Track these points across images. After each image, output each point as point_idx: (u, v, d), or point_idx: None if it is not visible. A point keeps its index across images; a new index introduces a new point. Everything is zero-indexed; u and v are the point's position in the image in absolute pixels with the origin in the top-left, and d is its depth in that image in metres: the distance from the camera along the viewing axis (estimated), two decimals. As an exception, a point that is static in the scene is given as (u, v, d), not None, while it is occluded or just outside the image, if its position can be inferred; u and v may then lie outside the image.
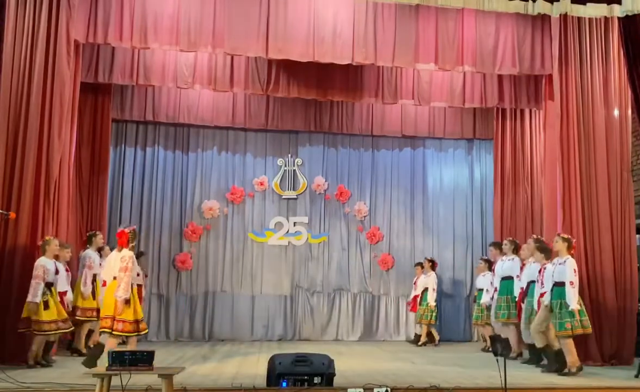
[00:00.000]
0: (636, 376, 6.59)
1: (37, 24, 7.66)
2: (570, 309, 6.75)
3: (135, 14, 8.13)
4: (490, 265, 9.71)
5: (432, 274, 10.52)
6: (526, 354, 8.21)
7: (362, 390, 5.46)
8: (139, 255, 10.40)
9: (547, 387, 6.12)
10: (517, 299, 8.16)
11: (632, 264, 8.12)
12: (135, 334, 6.39)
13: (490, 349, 9.36)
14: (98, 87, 9.88)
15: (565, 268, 6.87)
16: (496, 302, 8.61)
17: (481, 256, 11.00)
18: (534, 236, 8.25)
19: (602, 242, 8.08)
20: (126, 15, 8.10)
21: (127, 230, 6.56)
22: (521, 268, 8.25)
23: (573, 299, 6.77)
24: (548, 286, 7.02)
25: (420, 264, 10.94)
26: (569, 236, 7.31)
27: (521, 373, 6.93)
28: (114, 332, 6.21)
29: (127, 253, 6.37)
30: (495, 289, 8.72)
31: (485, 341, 9.86)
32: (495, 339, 9.26)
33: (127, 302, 6.23)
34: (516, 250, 8.54)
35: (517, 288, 8.19)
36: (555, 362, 6.96)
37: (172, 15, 8.22)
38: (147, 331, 6.90)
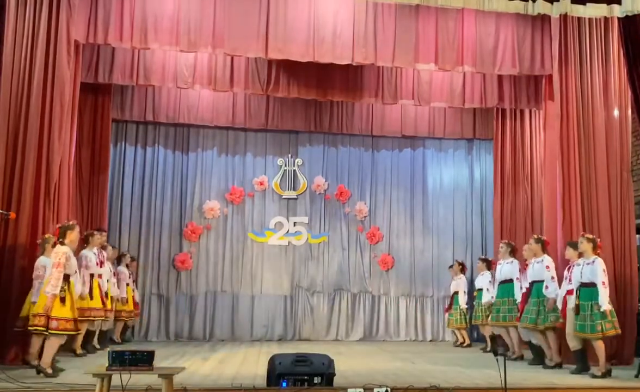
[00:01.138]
0: (636, 376, 6.59)
1: (37, 24, 7.65)
2: (602, 309, 6.62)
3: (135, 14, 8.13)
4: (488, 264, 9.75)
5: (462, 278, 10.56)
6: (527, 354, 8.19)
7: (362, 390, 5.45)
8: (132, 260, 10.37)
9: (547, 387, 6.11)
10: (519, 302, 8.12)
11: (632, 264, 8.12)
12: (75, 332, 6.36)
13: (490, 349, 9.37)
14: (98, 87, 9.89)
15: (595, 268, 6.74)
16: (494, 304, 8.63)
17: (480, 255, 11.02)
18: (535, 236, 8.22)
19: (602, 242, 8.06)
20: (126, 16, 8.10)
21: (58, 225, 6.57)
22: (523, 269, 8.23)
23: (605, 299, 6.63)
24: (575, 287, 6.94)
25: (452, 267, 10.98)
26: (594, 236, 7.17)
27: (521, 373, 6.91)
28: (49, 331, 6.15)
29: (60, 249, 6.30)
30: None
31: (485, 341, 9.86)
32: (494, 339, 9.31)
33: (61, 300, 6.18)
34: (513, 252, 8.53)
35: (518, 290, 8.17)
36: (581, 362, 6.93)
37: (172, 16, 8.22)
38: (80, 331, 6.75)
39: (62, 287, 6.22)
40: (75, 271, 6.68)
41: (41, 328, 6.15)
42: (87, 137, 9.99)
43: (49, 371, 6.14)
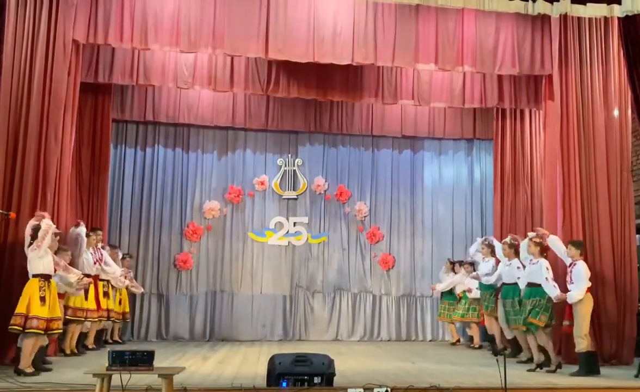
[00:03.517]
0: (636, 376, 6.60)
1: (37, 24, 7.66)
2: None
3: (135, 14, 8.12)
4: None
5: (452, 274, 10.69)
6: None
7: (362, 390, 5.46)
8: (129, 257, 10.30)
9: (547, 387, 6.13)
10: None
11: (632, 264, 8.12)
12: (45, 331, 6.40)
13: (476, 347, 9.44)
14: (98, 87, 9.88)
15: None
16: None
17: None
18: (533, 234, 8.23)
19: (602, 242, 8.08)
20: (126, 16, 8.09)
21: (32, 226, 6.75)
22: None
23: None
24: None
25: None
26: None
27: (521, 373, 6.92)
28: (26, 331, 6.23)
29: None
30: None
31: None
32: (487, 337, 9.38)
33: (41, 299, 6.32)
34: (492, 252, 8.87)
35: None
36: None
37: (172, 16, 8.21)
38: (60, 330, 6.82)
39: (41, 287, 6.36)
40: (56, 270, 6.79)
41: (19, 328, 6.26)
42: (87, 137, 9.97)
43: (28, 370, 6.18)
